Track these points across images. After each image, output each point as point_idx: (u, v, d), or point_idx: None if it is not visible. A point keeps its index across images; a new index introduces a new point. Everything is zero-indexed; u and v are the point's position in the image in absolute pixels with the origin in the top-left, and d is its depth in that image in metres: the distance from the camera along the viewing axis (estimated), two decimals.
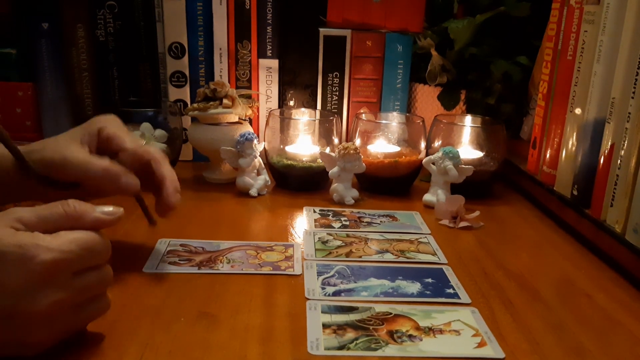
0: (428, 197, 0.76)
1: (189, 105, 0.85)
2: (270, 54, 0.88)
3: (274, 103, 0.90)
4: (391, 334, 0.45)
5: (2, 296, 0.36)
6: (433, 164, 0.76)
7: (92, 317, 0.42)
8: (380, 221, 0.69)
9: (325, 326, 0.46)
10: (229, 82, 0.88)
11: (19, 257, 0.36)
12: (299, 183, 0.79)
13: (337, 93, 0.89)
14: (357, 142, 0.80)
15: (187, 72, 0.88)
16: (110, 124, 0.54)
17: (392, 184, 0.80)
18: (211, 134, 0.78)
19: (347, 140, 0.87)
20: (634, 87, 0.58)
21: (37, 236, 0.37)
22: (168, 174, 0.54)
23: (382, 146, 0.81)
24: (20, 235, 0.37)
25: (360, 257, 0.59)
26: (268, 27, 0.87)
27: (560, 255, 0.64)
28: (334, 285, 0.53)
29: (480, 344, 0.45)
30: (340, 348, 0.43)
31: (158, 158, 0.55)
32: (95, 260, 0.40)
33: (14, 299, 0.36)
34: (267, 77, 0.89)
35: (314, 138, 0.81)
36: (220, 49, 0.87)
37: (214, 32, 0.86)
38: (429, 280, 0.55)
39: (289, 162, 0.78)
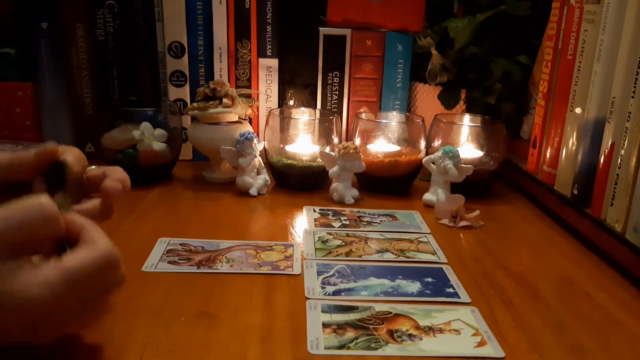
0: (428, 196, 0.76)
1: (188, 105, 0.85)
2: (270, 54, 0.88)
3: (273, 102, 0.90)
4: (391, 333, 0.45)
5: None
6: (433, 163, 0.76)
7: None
8: (380, 220, 0.69)
9: (325, 325, 0.46)
10: (228, 81, 0.88)
11: None
12: (298, 182, 0.79)
13: (337, 92, 0.89)
14: (357, 141, 0.80)
15: (186, 72, 0.88)
16: None
17: (392, 184, 0.80)
18: (211, 133, 0.78)
19: (347, 140, 0.87)
20: (634, 87, 0.57)
21: None
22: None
23: (382, 145, 0.80)
24: None
25: (360, 256, 0.59)
26: (268, 27, 0.87)
27: (560, 255, 0.64)
28: (334, 284, 0.53)
29: (480, 343, 0.45)
30: (340, 347, 0.43)
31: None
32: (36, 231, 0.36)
33: None
34: (267, 77, 0.89)
35: (314, 137, 0.81)
36: (220, 48, 0.87)
37: (213, 31, 0.86)
38: (429, 279, 0.55)
39: (289, 161, 0.78)
